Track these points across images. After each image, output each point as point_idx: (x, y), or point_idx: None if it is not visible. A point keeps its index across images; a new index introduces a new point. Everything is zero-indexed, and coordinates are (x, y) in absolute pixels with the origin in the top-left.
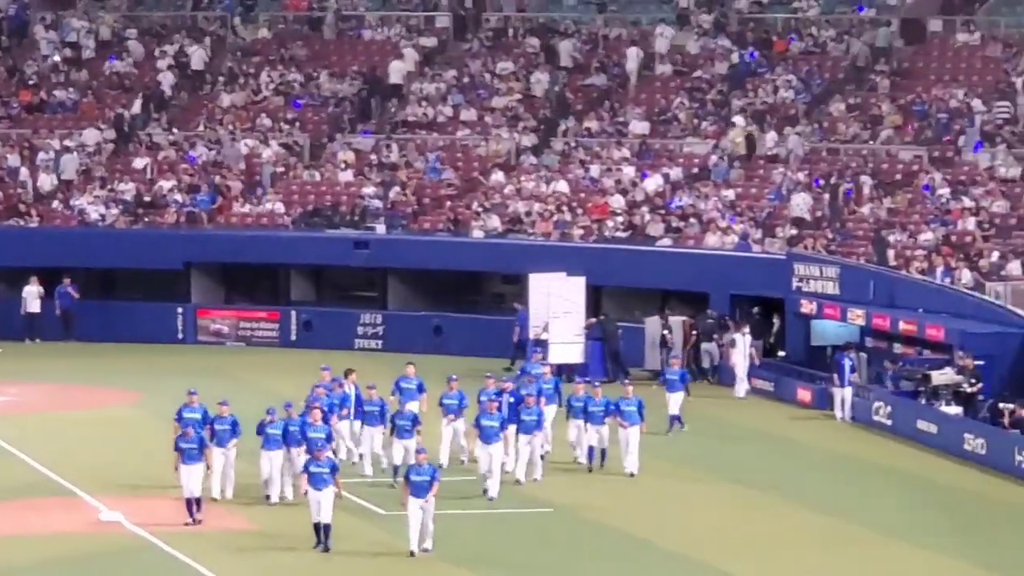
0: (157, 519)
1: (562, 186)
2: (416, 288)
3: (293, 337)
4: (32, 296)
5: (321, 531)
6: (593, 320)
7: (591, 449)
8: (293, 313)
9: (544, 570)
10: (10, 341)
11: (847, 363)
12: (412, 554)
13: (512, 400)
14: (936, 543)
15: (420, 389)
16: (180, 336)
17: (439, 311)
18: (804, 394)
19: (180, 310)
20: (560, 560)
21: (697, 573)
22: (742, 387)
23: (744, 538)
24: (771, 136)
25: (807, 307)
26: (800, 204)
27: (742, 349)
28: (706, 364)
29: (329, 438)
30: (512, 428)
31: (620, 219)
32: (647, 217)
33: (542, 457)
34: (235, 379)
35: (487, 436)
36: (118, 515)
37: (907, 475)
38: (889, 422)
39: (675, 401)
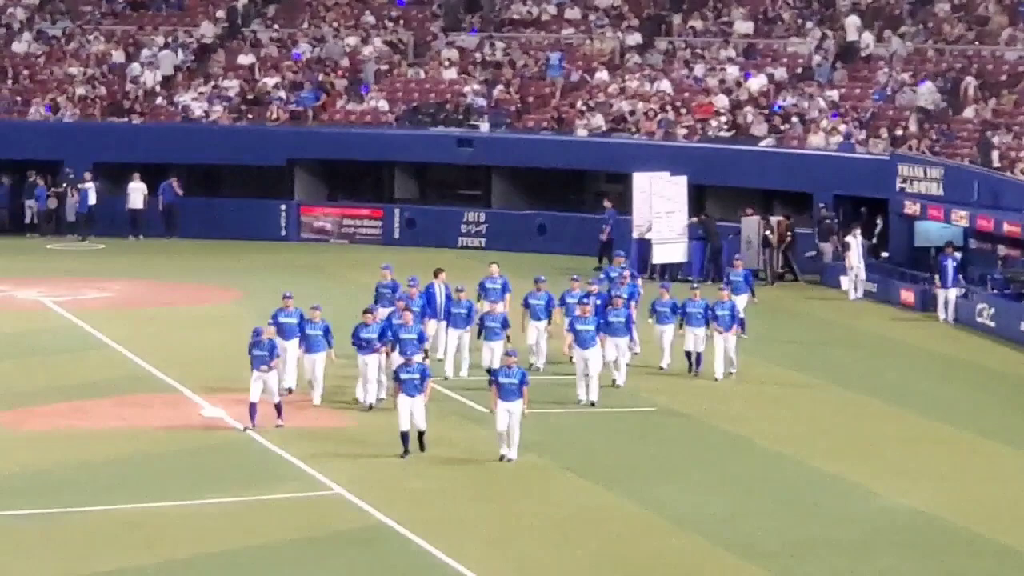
0: (258, 415)
1: (666, 85)
2: (519, 186)
3: (396, 235)
4: (136, 192)
5: (410, 440)
6: (695, 219)
7: (688, 353)
8: (396, 211)
9: (647, 467)
10: (113, 237)
11: (950, 264)
12: (502, 458)
13: (599, 302)
14: None
15: (505, 289)
16: (283, 233)
17: (542, 209)
18: (907, 295)
19: (283, 207)
20: (663, 457)
21: (797, 472)
22: (853, 288)
23: (844, 439)
24: (867, 36)
25: (911, 208)
26: (925, 94)
27: (856, 250)
28: (827, 260)
29: (421, 339)
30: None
31: (724, 119)
32: (751, 117)
33: (628, 362)
34: (337, 277)
35: (583, 341)
36: (220, 411)
37: (1009, 377)
38: (992, 324)
39: (740, 303)
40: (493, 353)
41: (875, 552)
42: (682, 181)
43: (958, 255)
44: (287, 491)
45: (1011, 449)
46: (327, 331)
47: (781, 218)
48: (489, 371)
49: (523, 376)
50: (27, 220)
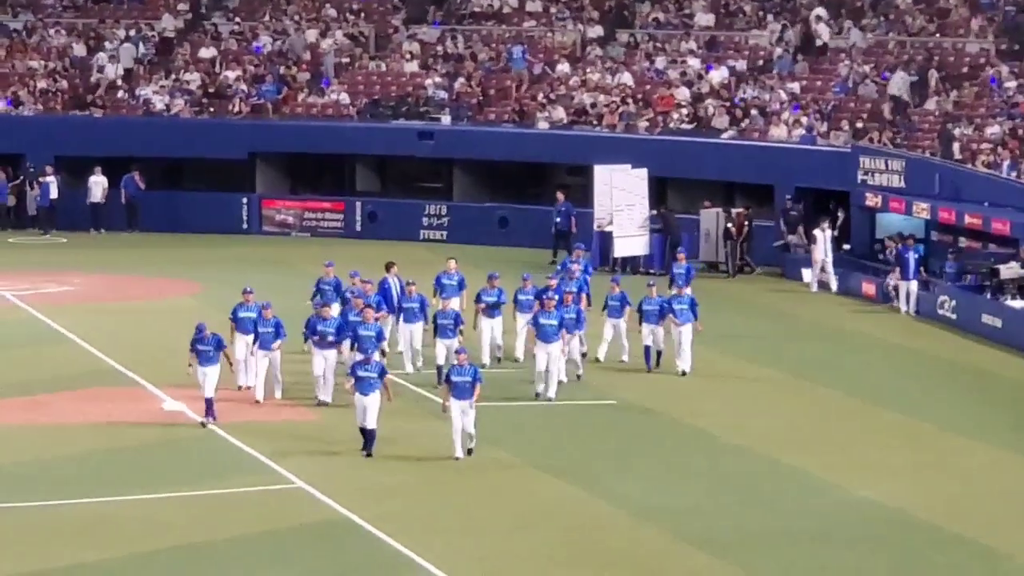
0: (218, 408)
1: (627, 78)
2: (481, 179)
3: (358, 228)
4: (97, 186)
5: (366, 436)
6: (654, 212)
7: (647, 349)
8: (358, 204)
9: (609, 461)
10: (75, 231)
11: (911, 256)
12: (457, 459)
13: (557, 297)
14: (999, 438)
15: (461, 286)
16: (245, 226)
17: (504, 202)
18: (869, 287)
19: (245, 200)
20: (625, 451)
21: (758, 466)
22: (816, 281)
23: (806, 432)
24: (827, 28)
25: (872, 200)
26: (899, 83)
27: (822, 244)
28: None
29: (379, 337)
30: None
31: (685, 111)
32: (712, 110)
33: (583, 355)
34: (299, 270)
35: (546, 335)
36: (181, 405)
37: (971, 369)
38: (954, 316)
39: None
40: (448, 351)
41: (835, 544)
42: (643, 174)
43: (920, 247)
44: (249, 485)
45: (972, 442)
46: (279, 327)
47: (740, 210)
48: (439, 369)
49: (475, 373)
50: None
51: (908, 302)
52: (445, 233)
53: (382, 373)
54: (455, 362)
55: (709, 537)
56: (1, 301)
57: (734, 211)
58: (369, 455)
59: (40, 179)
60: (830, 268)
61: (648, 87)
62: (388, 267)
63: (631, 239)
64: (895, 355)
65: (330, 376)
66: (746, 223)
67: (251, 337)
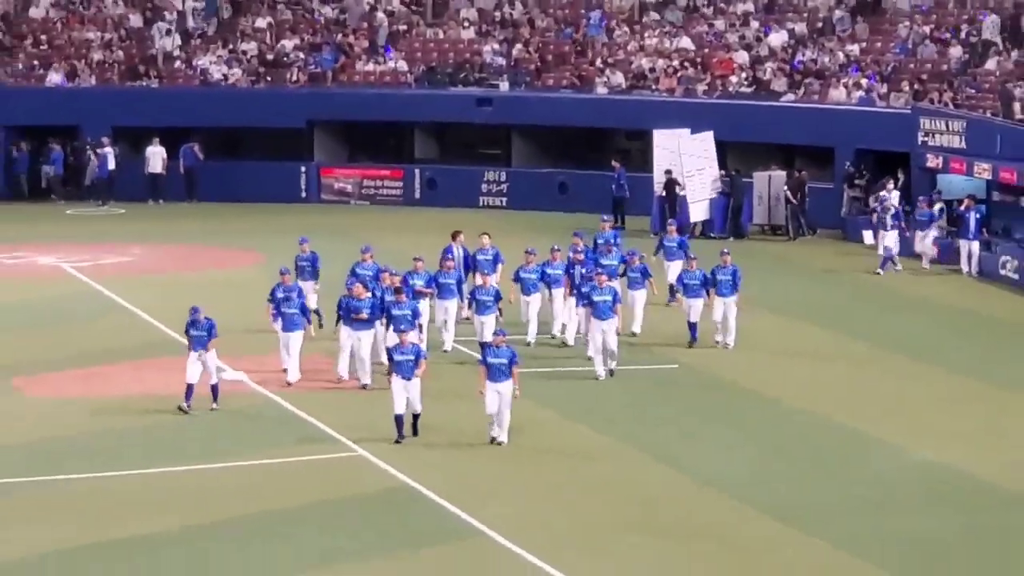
0: (280, 377)
1: (686, 42)
2: (540, 145)
3: (417, 195)
4: (155, 156)
5: (401, 423)
6: (723, 173)
7: (693, 325)
8: (417, 171)
9: (672, 426)
10: (133, 202)
11: (972, 216)
12: (492, 440)
13: (584, 271)
14: None
15: (497, 260)
16: (303, 195)
17: (563, 168)
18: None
19: (303, 169)
20: (688, 416)
21: (822, 430)
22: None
23: (870, 396)
24: None
25: (933, 161)
26: (991, 25)
27: (891, 207)
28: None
29: (415, 315)
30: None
31: (744, 75)
32: (771, 72)
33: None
34: (359, 238)
35: (600, 312)
36: (241, 374)
37: None
38: (1016, 276)
39: (674, 271)
40: (484, 327)
41: (903, 509)
42: (709, 136)
43: (981, 207)
44: (309, 453)
45: None
46: (304, 309)
47: (797, 173)
48: (482, 345)
49: (513, 356)
50: (43, 185)
51: (970, 262)
52: (505, 199)
53: (419, 355)
54: (492, 344)
55: (773, 503)
56: (60, 273)
57: (776, 174)
58: (415, 434)
59: (98, 150)
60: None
61: (707, 51)
62: (454, 236)
63: (703, 204)
64: (956, 317)
65: (366, 357)
66: (801, 187)
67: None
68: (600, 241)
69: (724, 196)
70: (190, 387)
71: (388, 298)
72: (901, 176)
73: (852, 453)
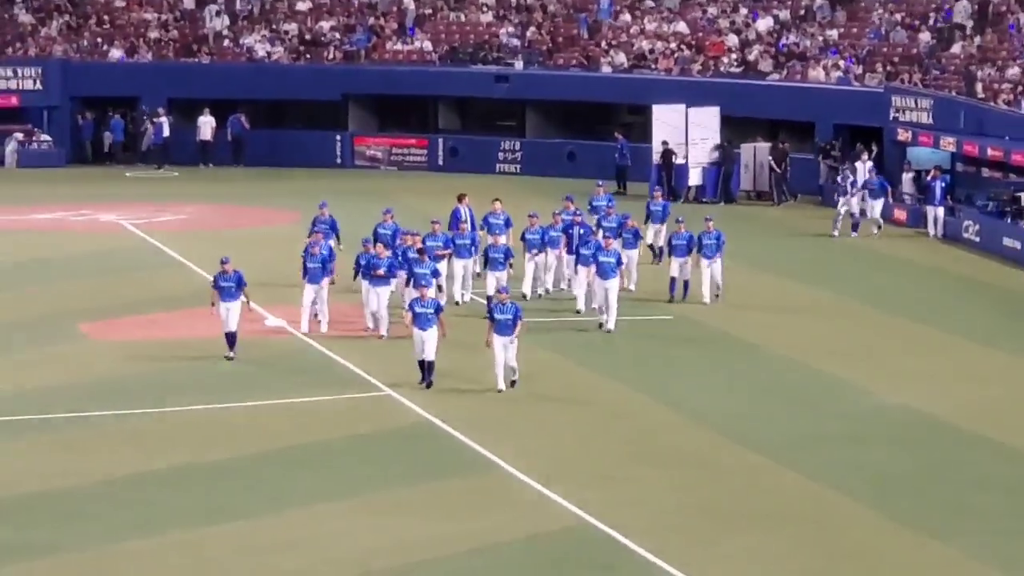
0: (316, 325)
1: (682, 27)
2: (551, 118)
3: (440, 162)
4: (206, 125)
5: (425, 368)
6: (716, 144)
7: (673, 280)
8: (440, 140)
9: (667, 369)
10: (186, 166)
11: (938, 185)
12: (500, 391)
13: (582, 232)
14: (1018, 347)
15: (507, 224)
16: (339, 161)
17: (572, 139)
18: (900, 214)
19: (339, 137)
20: (682, 361)
21: (802, 374)
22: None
23: (844, 344)
24: None
25: (903, 135)
26: (962, 10)
27: (863, 174)
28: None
29: (435, 274)
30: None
31: (734, 56)
32: (758, 54)
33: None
34: (388, 199)
35: (604, 271)
36: (281, 321)
37: (994, 287)
38: (977, 239)
39: (652, 233)
40: (498, 283)
41: (870, 444)
42: (714, 111)
43: (947, 177)
44: (343, 392)
45: (996, 352)
46: (324, 261)
47: (781, 144)
48: (489, 300)
49: (517, 311)
50: (105, 150)
51: (936, 226)
52: (519, 166)
53: (438, 309)
54: (496, 301)
55: (758, 438)
56: (120, 229)
57: (760, 146)
58: (429, 385)
59: (154, 119)
60: (868, 197)
61: (700, 34)
62: (460, 198)
63: (700, 169)
64: (924, 274)
65: (384, 312)
66: (784, 157)
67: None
68: (595, 203)
69: (716, 165)
70: (228, 336)
71: (411, 255)
72: (875, 148)
73: (825, 394)
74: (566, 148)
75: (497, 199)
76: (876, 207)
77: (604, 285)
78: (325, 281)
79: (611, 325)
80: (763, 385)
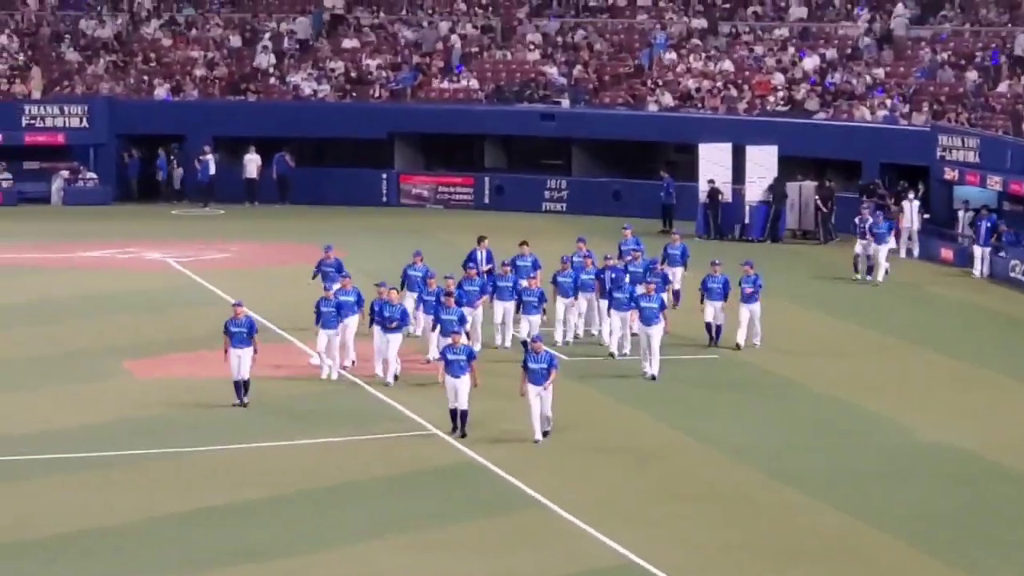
0: (360, 367)
1: (728, 65)
2: (597, 156)
3: (487, 200)
4: (251, 163)
5: (458, 417)
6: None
7: (708, 325)
8: (486, 179)
9: (708, 407)
10: (231, 204)
11: (984, 224)
12: (536, 442)
13: (614, 276)
14: None
15: (535, 267)
16: (384, 199)
17: (618, 177)
18: (947, 253)
19: (384, 176)
20: (721, 397)
21: (843, 411)
22: (905, 248)
23: (887, 381)
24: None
25: (950, 174)
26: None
27: (909, 213)
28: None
29: (461, 321)
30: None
31: (781, 95)
32: (805, 93)
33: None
34: (433, 238)
35: (646, 318)
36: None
37: None
38: None
39: (676, 276)
40: (531, 326)
41: (910, 481)
42: (773, 150)
43: (993, 217)
44: (389, 431)
45: None
46: (359, 299)
47: (818, 183)
48: (525, 344)
49: (551, 360)
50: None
51: (982, 265)
52: (564, 205)
53: (470, 356)
54: (531, 350)
55: (798, 475)
56: (165, 267)
57: (805, 184)
58: (463, 435)
59: (200, 157)
60: (915, 236)
61: (747, 73)
62: (480, 240)
63: (747, 208)
64: (967, 313)
65: (392, 357)
66: (830, 197)
67: (355, 318)
68: (623, 247)
69: (765, 204)
70: (237, 384)
71: (443, 299)
72: (921, 187)
73: (866, 431)
74: (612, 187)
75: (524, 242)
76: (881, 251)
77: (647, 331)
78: (352, 320)
79: (655, 371)
80: (803, 422)
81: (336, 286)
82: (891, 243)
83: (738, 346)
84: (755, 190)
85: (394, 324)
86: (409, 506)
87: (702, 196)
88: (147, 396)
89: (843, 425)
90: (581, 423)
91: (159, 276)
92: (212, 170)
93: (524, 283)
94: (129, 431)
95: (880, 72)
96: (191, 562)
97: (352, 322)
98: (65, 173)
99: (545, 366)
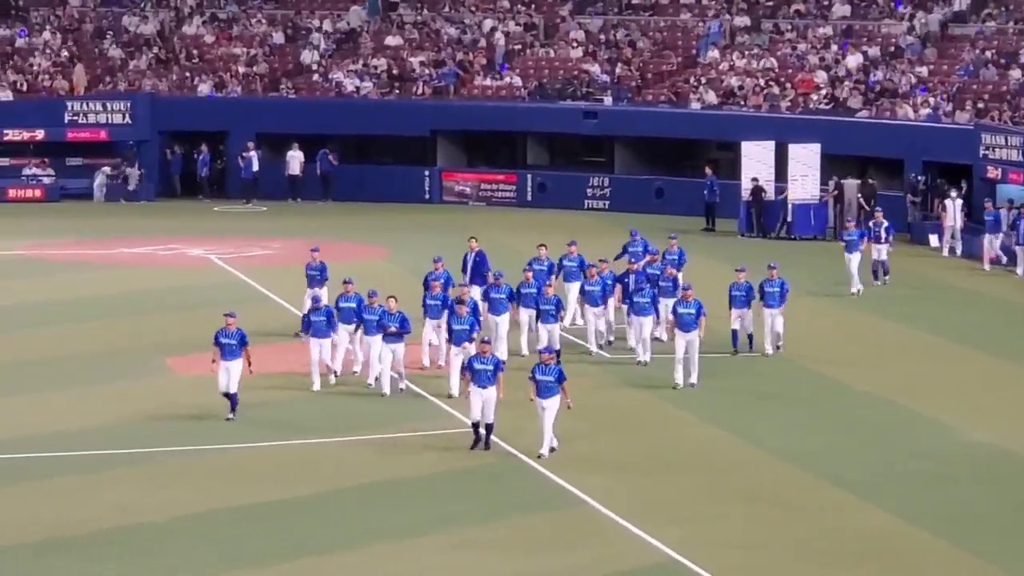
0: (408, 360)
1: (771, 63)
2: (640, 154)
3: (529, 197)
4: (294, 160)
5: (482, 429)
6: (835, 179)
7: (735, 333)
8: (529, 176)
9: (752, 406)
10: (274, 201)
11: None
12: (540, 456)
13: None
14: None
15: (551, 271)
16: (427, 196)
17: (660, 175)
18: (990, 252)
19: (427, 173)
20: (765, 396)
21: (885, 411)
22: (947, 247)
23: (928, 381)
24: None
25: (993, 173)
26: None
27: (952, 212)
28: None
29: (472, 329)
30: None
31: (824, 92)
32: (848, 91)
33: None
34: (476, 236)
35: (684, 324)
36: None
37: None
38: None
39: (854, 261)
40: (551, 335)
41: (955, 482)
42: (815, 148)
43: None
44: (429, 428)
45: None
46: (330, 315)
47: (869, 182)
48: (547, 349)
49: (559, 374)
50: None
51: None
52: (607, 203)
53: (497, 366)
54: (540, 361)
55: (841, 475)
56: (207, 263)
57: (847, 183)
58: (487, 447)
59: (244, 154)
60: (958, 234)
61: (790, 71)
62: (470, 241)
63: (792, 206)
64: (1011, 311)
65: (393, 368)
66: (872, 195)
67: (352, 326)
68: (631, 249)
69: (823, 204)
70: (226, 395)
71: (456, 307)
72: (964, 186)
73: (909, 431)
74: (655, 184)
75: (543, 244)
76: (881, 252)
77: (685, 339)
78: (349, 328)
79: (694, 379)
80: (847, 422)
81: (320, 292)
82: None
83: (768, 355)
84: (799, 189)
85: (393, 331)
86: (451, 503)
87: (745, 194)
88: (189, 393)
89: (887, 426)
90: (622, 423)
91: (202, 272)
92: (255, 167)
93: (537, 289)
94: (170, 428)
95: (923, 70)
96: (236, 558)
97: (349, 330)
98: (107, 169)
99: (553, 379)
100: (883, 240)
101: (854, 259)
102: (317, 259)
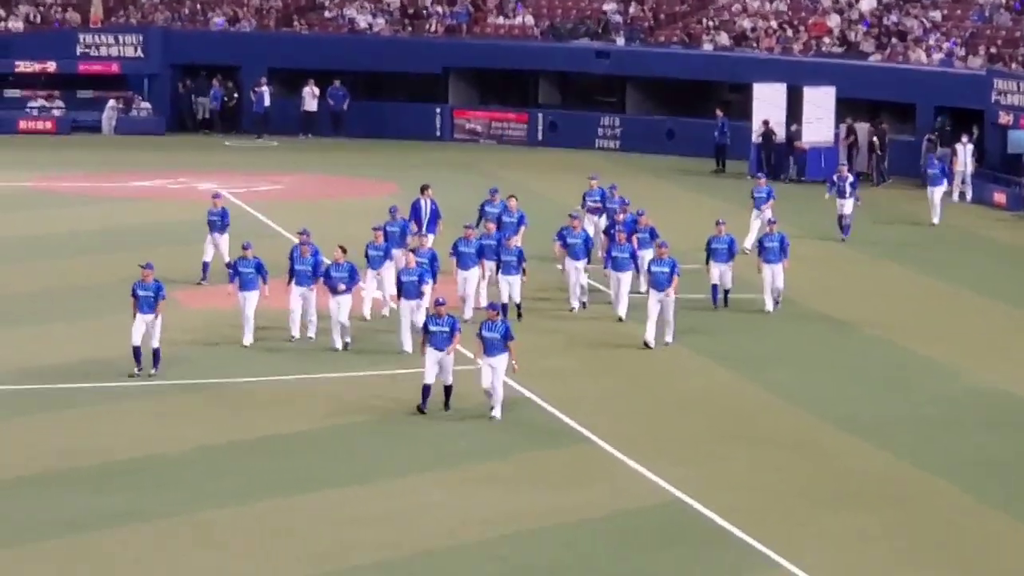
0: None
1: (783, 5)
2: (651, 95)
3: (540, 136)
4: (309, 96)
5: (430, 394)
6: (847, 123)
7: (714, 288)
8: (540, 115)
9: (763, 351)
10: (286, 136)
11: None
12: (492, 418)
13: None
14: None
15: (521, 222)
16: (438, 134)
17: (671, 116)
18: (1000, 197)
19: (438, 110)
20: (776, 341)
21: (894, 355)
22: (958, 191)
23: (938, 325)
24: None
25: (1004, 118)
26: None
27: (962, 157)
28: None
29: (422, 280)
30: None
31: (836, 35)
32: (860, 34)
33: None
34: (485, 174)
35: (657, 283)
36: (377, 293)
37: None
38: None
39: (848, 206)
40: (511, 287)
41: (965, 427)
42: (830, 91)
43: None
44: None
45: None
46: (260, 267)
47: (880, 126)
48: (505, 307)
49: (506, 330)
50: (200, 117)
51: None
52: (618, 143)
53: (453, 327)
54: (487, 318)
55: (852, 419)
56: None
57: (859, 126)
58: (447, 408)
59: (255, 88)
60: (968, 179)
61: (803, 13)
62: (423, 189)
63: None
64: (1019, 257)
65: (345, 321)
66: (882, 138)
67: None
68: (589, 199)
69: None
70: (136, 349)
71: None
72: (975, 131)
73: (920, 376)
74: (665, 125)
75: (513, 196)
76: (847, 205)
77: (657, 297)
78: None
79: (669, 338)
80: (857, 366)
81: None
82: (944, 186)
83: (768, 311)
84: (812, 132)
85: (342, 287)
86: (458, 440)
87: (755, 136)
88: (198, 327)
89: (897, 370)
90: (631, 363)
91: (211, 207)
92: (267, 102)
93: (498, 240)
94: (180, 361)
95: (936, 15)
96: (243, 491)
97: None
98: (114, 102)
99: (499, 336)
100: (847, 195)
101: (937, 191)
102: (219, 205)
